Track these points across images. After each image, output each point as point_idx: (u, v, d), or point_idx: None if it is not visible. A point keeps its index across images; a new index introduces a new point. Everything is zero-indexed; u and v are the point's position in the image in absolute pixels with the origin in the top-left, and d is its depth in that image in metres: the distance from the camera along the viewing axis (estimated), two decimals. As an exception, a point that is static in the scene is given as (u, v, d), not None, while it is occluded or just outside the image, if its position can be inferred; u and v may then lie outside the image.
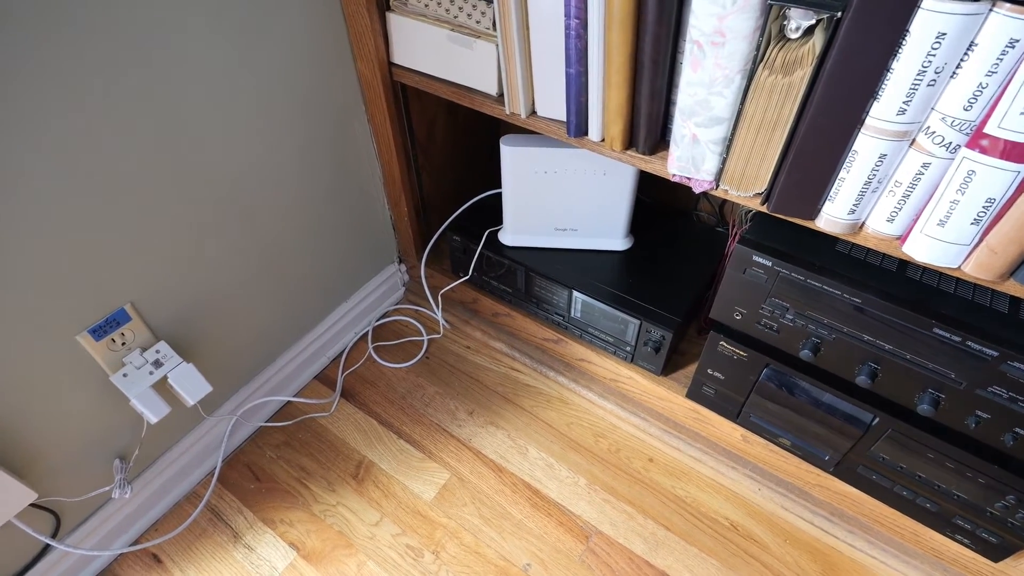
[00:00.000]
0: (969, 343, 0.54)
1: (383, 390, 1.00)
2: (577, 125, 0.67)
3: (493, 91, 0.73)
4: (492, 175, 1.16)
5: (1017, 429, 0.56)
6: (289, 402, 0.98)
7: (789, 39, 0.50)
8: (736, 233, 0.83)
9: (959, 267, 0.52)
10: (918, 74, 0.45)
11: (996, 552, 0.67)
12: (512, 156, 0.82)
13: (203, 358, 0.81)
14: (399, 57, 0.80)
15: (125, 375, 0.69)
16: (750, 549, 0.80)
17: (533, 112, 0.72)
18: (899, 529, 0.76)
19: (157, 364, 0.71)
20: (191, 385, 0.73)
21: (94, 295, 0.64)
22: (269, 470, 0.90)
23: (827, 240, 0.64)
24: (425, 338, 1.08)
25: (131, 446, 0.76)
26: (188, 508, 0.85)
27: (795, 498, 0.84)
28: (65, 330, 0.63)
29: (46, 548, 0.72)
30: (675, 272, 0.89)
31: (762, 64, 0.51)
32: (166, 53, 0.61)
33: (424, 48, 0.76)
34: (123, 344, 0.69)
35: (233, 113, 0.70)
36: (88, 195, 0.60)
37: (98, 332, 0.67)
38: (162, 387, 0.71)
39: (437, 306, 1.06)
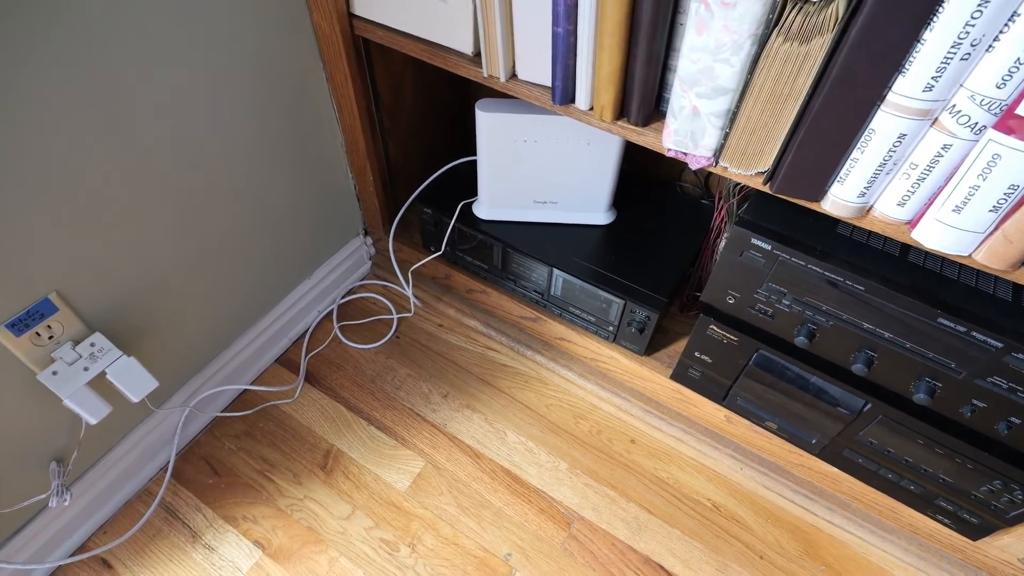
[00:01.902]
0: (974, 334, 0.52)
1: (350, 373, 0.94)
2: (563, 91, 0.61)
3: (468, 50, 0.65)
4: (466, 141, 1.08)
5: (1012, 418, 0.55)
6: (248, 389, 0.91)
7: (809, 1, 0.45)
8: (722, 207, 0.78)
9: (970, 255, 0.50)
10: (952, 46, 0.40)
11: (975, 531, 0.68)
12: (489, 123, 0.75)
13: (148, 348, 0.73)
14: (361, 8, 0.70)
15: (55, 373, 0.61)
16: (732, 529, 0.80)
17: (513, 75, 0.65)
18: (877, 506, 0.77)
19: (93, 358, 0.63)
20: (134, 381, 0.65)
21: (11, 284, 0.56)
22: (229, 463, 0.83)
23: (828, 222, 0.60)
24: (395, 316, 1.02)
25: (69, 448, 0.69)
26: (140, 508, 0.78)
27: (776, 477, 0.84)
28: (-25, 326, 0.54)
29: (-25, 563, 0.65)
30: (659, 248, 0.85)
31: (777, 29, 0.46)
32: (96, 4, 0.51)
33: (389, -3, 0.67)
34: (51, 338, 0.61)
35: (174, 74, 0.60)
36: (1, 167, 0.50)
37: (18, 326, 0.58)
38: (101, 383, 0.63)
39: (407, 282, 1.00)
